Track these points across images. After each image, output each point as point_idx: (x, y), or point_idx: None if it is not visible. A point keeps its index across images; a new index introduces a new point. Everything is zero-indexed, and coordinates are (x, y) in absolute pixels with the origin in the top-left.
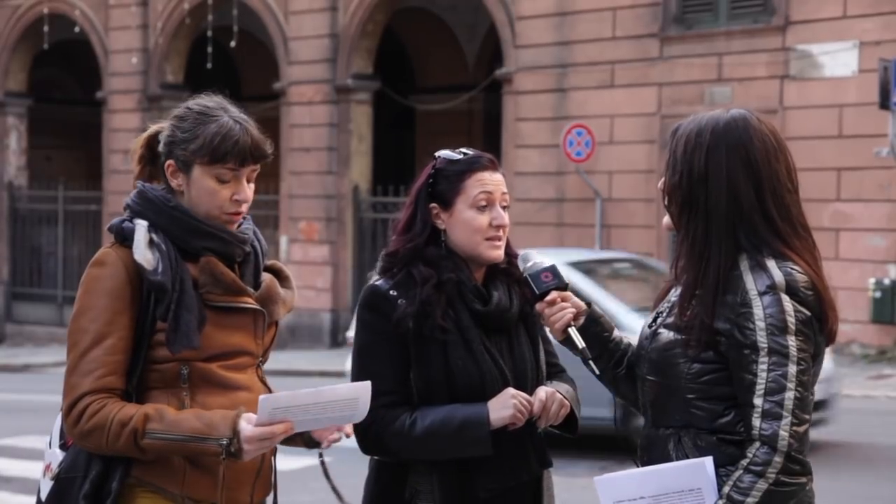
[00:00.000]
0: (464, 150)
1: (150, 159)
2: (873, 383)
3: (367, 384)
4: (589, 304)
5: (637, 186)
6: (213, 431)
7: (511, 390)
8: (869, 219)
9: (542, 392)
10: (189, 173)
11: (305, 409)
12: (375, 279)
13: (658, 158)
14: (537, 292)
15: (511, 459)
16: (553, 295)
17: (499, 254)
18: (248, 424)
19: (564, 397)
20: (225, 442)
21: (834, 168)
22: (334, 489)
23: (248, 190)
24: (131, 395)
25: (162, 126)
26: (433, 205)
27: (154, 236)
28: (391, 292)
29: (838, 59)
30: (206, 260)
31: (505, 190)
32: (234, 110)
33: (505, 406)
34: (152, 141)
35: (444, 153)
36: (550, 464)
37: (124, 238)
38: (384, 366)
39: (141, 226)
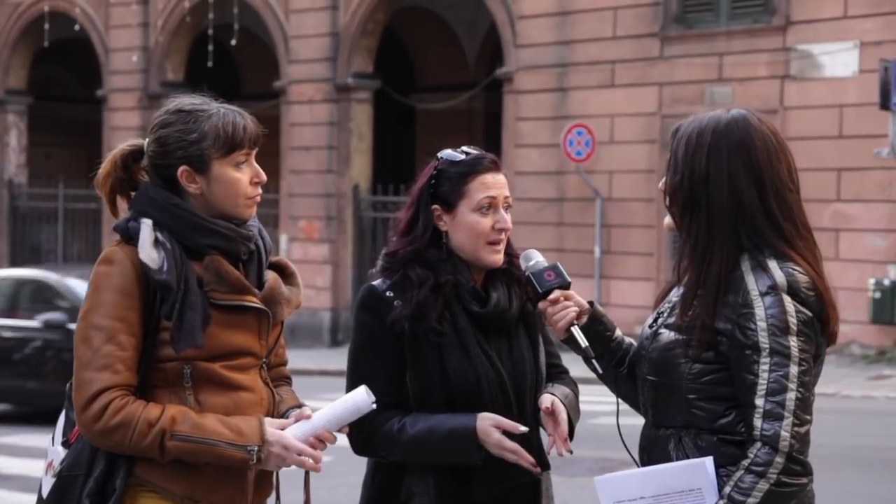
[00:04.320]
0: (465, 148)
1: (127, 181)
2: (873, 384)
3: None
4: (591, 302)
5: (637, 186)
6: (240, 438)
7: (494, 436)
8: (869, 219)
9: (559, 408)
10: (207, 172)
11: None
12: (373, 279)
13: (658, 158)
14: (540, 291)
15: (507, 463)
16: (556, 294)
17: (498, 258)
18: (278, 430)
19: (562, 402)
20: (255, 449)
21: (834, 168)
22: (306, 502)
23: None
24: (136, 394)
25: (134, 144)
26: (435, 206)
27: (159, 235)
28: (388, 293)
29: (839, 60)
30: (211, 258)
31: (507, 193)
32: (218, 102)
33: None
34: (127, 160)
35: (447, 153)
36: (548, 466)
37: (130, 237)
38: (378, 367)
39: (146, 224)
